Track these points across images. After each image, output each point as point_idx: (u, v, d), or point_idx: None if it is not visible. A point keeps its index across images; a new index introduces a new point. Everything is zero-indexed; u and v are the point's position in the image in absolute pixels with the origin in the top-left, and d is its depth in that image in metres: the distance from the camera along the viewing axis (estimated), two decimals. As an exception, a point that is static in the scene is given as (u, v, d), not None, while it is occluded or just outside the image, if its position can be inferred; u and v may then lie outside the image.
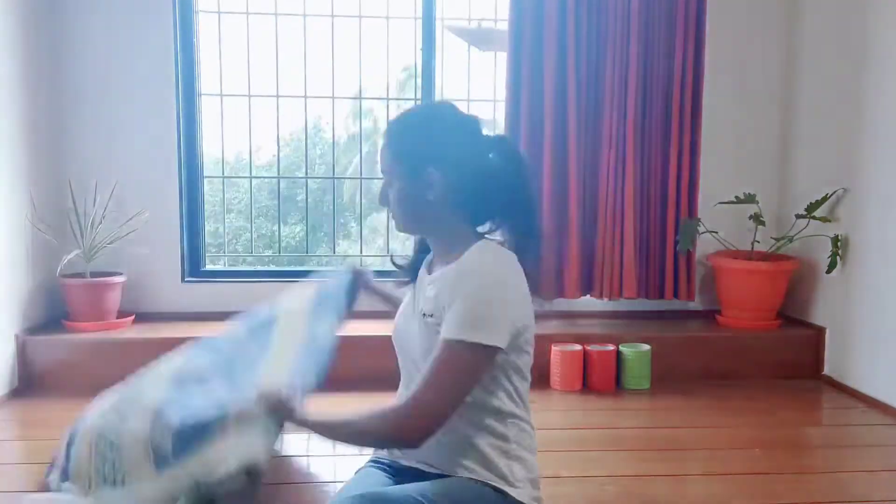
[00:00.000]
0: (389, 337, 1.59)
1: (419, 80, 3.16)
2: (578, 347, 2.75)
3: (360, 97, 3.24)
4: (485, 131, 1.40)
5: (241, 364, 1.59)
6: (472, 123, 1.39)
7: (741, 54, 3.18)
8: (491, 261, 1.32)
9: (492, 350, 1.26)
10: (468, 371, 1.26)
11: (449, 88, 3.42)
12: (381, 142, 1.42)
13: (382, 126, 3.89)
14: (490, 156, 1.38)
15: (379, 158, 1.42)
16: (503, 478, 1.31)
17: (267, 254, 4.94)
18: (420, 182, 1.34)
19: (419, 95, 3.17)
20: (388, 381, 1.66)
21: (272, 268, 3.71)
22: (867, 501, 1.85)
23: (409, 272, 1.49)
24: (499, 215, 1.39)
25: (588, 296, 3.08)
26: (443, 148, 1.35)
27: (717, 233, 3.13)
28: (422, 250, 1.49)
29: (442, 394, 1.25)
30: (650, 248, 3.09)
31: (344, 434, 1.37)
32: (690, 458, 2.11)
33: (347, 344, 2.70)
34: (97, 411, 1.48)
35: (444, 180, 1.33)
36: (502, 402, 1.33)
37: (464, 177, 1.34)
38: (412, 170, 1.34)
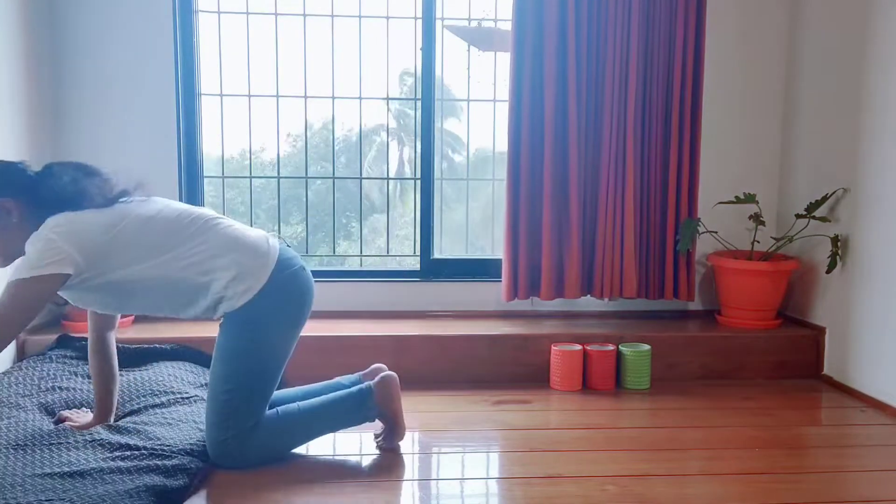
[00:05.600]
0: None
1: (419, 80, 3.16)
2: (578, 347, 2.75)
3: (359, 97, 3.24)
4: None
5: None
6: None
7: (741, 54, 3.19)
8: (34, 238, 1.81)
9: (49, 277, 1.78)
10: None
11: (449, 89, 3.42)
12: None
13: (382, 125, 3.89)
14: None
15: None
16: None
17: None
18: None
19: (419, 95, 3.18)
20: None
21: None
22: (867, 501, 1.85)
23: None
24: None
25: (588, 296, 3.09)
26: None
27: (716, 233, 3.13)
28: None
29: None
30: (650, 248, 3.09)
31: None
32: (690, 458, 2.11)
33: (347, 344, 2.71)
34: None
35: (16, 202, 1.86)
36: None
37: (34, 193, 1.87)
38: None
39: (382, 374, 2.11)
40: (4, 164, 1.93)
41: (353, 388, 2.10)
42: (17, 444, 1.89)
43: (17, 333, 1.80)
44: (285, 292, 1.99)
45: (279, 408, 2.02)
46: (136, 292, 1.92)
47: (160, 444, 1.91)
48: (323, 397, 2.08)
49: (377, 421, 2.12)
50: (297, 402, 2.06)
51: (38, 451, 1.85)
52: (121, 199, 1.94)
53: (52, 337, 2.65)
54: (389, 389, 2.08)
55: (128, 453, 1.86)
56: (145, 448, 1.88)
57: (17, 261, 1.85)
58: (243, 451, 1.92)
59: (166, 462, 1.82)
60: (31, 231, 1.84)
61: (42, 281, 1.77)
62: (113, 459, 1.83)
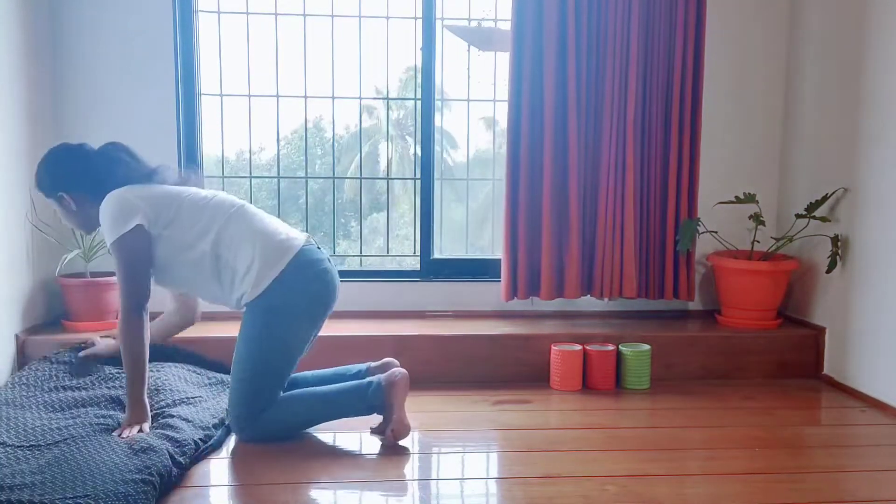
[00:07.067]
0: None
1: (419, 80, 3.16)
2: (578, 347, 2.75)
3: (359, 97, 3.24)
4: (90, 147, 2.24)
5: None
6: (76, 150, 2.21)
7: (741, 54, 3.19)
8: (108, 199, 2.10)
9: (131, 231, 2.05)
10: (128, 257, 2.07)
11: (449, 88, 3.42)
12: None
13: (383, 125, 3.88)
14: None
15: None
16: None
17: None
18: (63, 204, 2.17)
19: (419, 95, 3.18)
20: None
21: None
22: (867, 501, 1.85)
23: None
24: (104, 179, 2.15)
25: (588, 296, 3.09)
26: (55, 178, 2.16)
27: (716, 233, 3.13)
28: None
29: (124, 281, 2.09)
30: (650, 247, 3.09)
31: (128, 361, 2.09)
32: (690, 457, 2.11)
33: (347, 344, 2.71)
34: None
35: (70, 196, 2.15)
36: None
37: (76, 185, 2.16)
38: (55, 199, 2.18)
39: (393, 370, 2.18)
40: (62, 154, 2.21)
41: (363, 381, 2.18)
42: (20, 446, 1.89)
43: (143, 290, 2.11)
44: (301, 286, 2.12)
45: (292, 391, 2.17)
46: (184, 264, 2.14)
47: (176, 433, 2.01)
48: (333, 385, 2.19)
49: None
50: (311, 388, 2.20)
51: (48, 451, 1.86)
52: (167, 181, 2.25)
53: (52, 337, 2.65)
54: (396, 388, 2.14)
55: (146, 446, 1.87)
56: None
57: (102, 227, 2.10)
58: (256, 426, 2.09)
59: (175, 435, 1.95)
60: (96, 203, 2.12)
61: (128, 238, 2.05)
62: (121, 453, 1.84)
